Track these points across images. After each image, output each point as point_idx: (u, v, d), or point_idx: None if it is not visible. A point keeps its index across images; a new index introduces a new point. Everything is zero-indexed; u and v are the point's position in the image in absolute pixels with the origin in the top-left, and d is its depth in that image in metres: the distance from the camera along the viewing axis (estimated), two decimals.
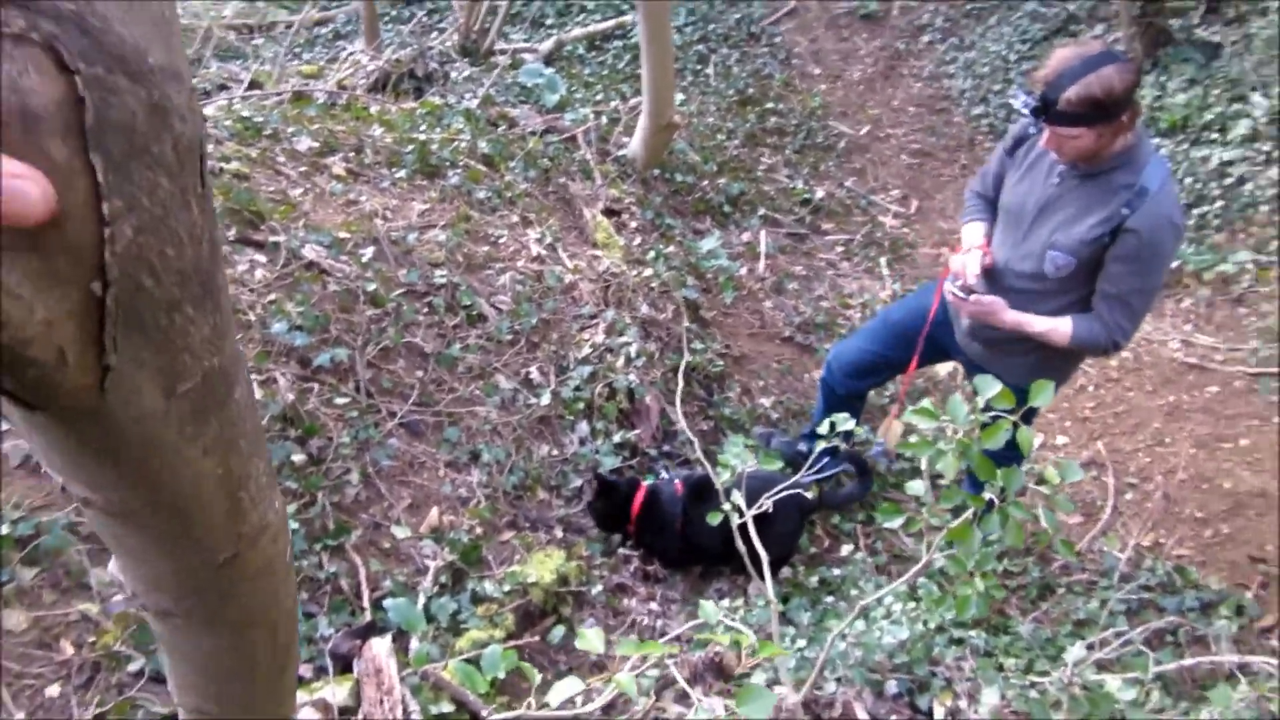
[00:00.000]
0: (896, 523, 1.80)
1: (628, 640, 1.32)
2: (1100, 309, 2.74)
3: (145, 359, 0.56)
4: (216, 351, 0.62)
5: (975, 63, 8.01)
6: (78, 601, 2.29)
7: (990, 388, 1.60)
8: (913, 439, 1.72)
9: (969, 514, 1.73)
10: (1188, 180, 6.26)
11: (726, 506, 2.10)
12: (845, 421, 2.16)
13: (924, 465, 1.71)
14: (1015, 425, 1.64)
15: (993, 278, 2.96)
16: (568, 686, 1.31)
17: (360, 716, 2.17)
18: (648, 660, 1.77)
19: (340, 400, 3.14)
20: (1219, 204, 6.06)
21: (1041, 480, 1.79)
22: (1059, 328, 2.80)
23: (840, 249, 6.01)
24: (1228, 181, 6.14)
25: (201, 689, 1.01)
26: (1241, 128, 6.34)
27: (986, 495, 1.71)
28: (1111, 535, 3.96)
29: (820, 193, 6.44)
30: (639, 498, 3.25)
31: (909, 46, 8.50)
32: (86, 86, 0.45)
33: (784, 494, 2.39)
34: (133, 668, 2.17)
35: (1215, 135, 6.50)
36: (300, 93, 5.42)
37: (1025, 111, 2.55)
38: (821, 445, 2.30)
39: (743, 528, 2.13)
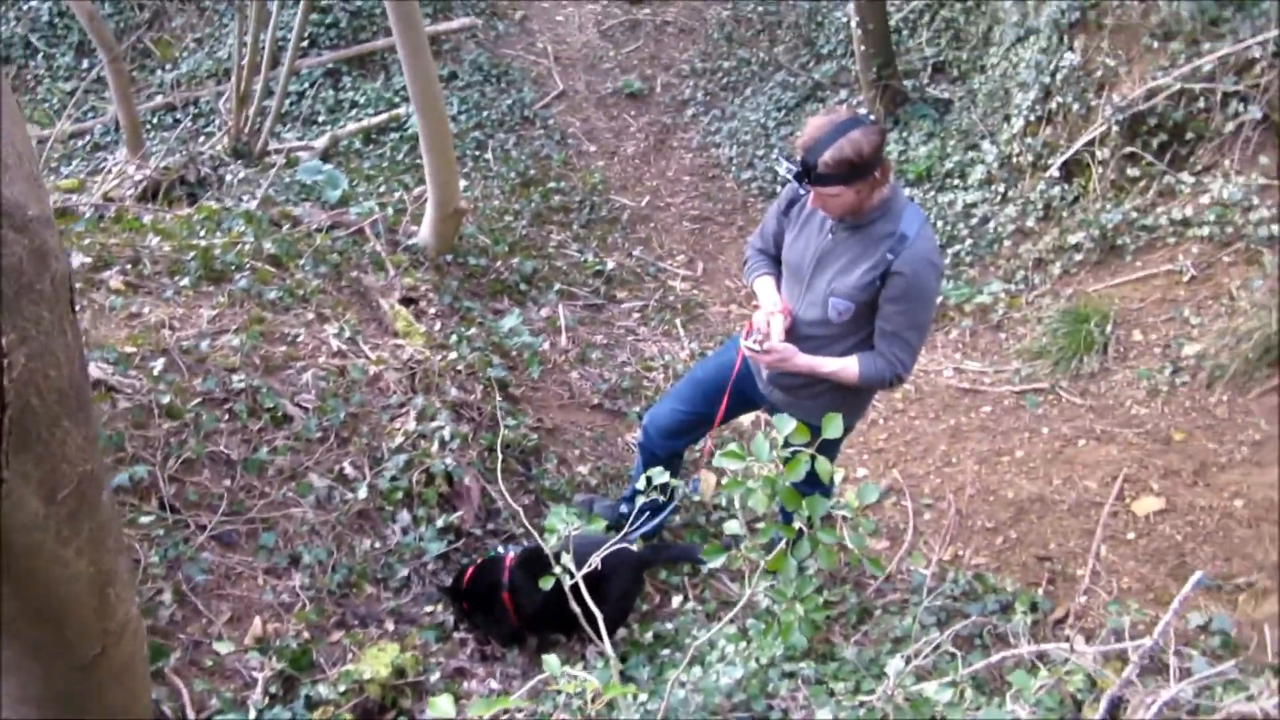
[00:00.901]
0: (718, 561, 1.92)
1: (481, 700, 1.36)
2: (880, 346, 3.00)
3: (29, 471, 0.59)
4: (88, 459, 0.66)
5: (738, 131, 8.53)
6: None
7: (786, 425, 1.75)
8: (725, 480, 1.84)
9: (782, 544, 1.86)
10: (939, 224, 6.86)
11: (557, 570, 2.16)
12: (660, 475, 2.27)
13: (737, 504, 1.84)
14: (813, 457, 1.80)
15: (789, 329, 3.19)
16: None
17: None
18: None
19: (144, 520, 3.01)
20: (969, 242, 6.68)
21: (841, 507, 1.95)
22: (848, 367, 3.04)
23: (637, 315, 6.23)
24: (973, 221, 6.78)
25: None
26: (978, 172, 7.04)
27: (796, 524, 1.85)
28: (916, 554, 4.25)
29: (611, 263, 6.66)
30: (467, 575, 3.26)
31: (675, 120, 8.96)
32: None
33: (616, 553, 2.47)
34: None
35: (957, 181, 7.18)
36: (63, 209, 5.17)
37: (789, 177, 2.79)
38: (641, 500, 2.40)
39: (575, 589, 2.20)
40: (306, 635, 2.98)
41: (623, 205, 7.68)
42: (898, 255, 2.82)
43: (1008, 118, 7.05)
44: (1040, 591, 3.92)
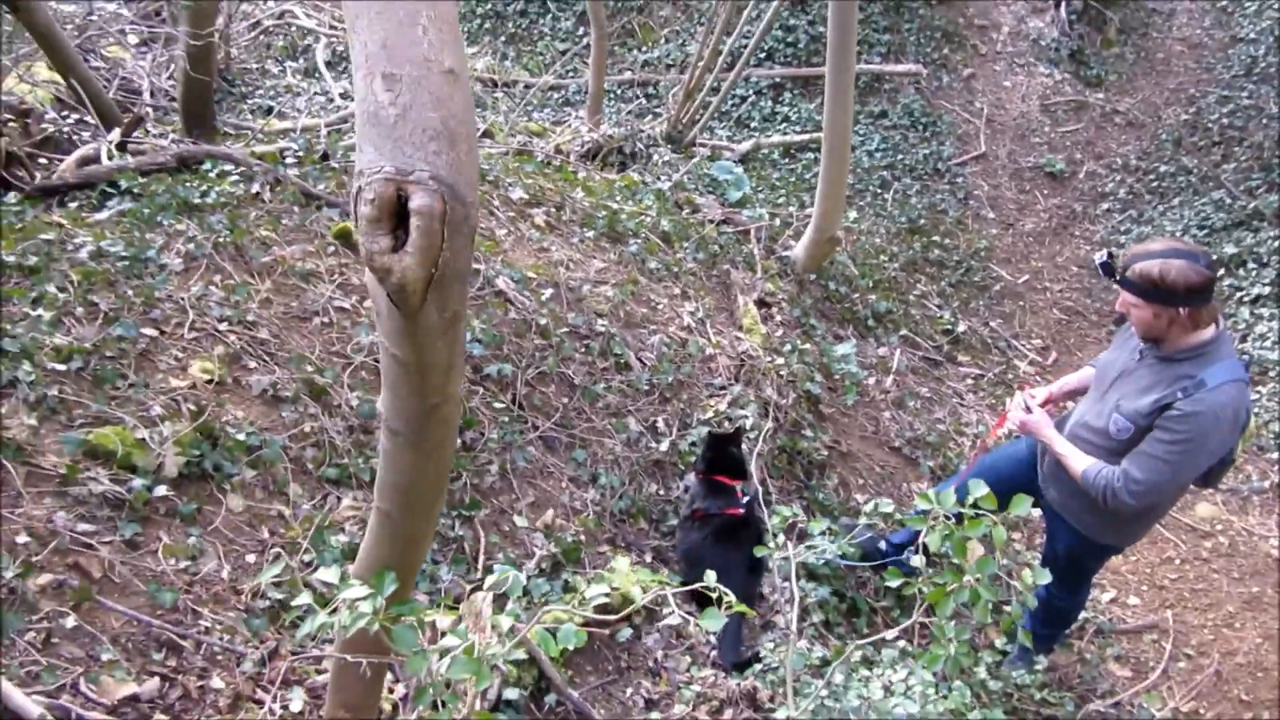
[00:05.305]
0: (895, 583, 2.29)
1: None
2: (1124, 461, 3.08)
3: (433, 299, 1.23)
4: (462, 301, 1.29)
5: (1148, 239, 8.24)
6: (278, 503, 3.01)
7: (978, 489, 2.09)
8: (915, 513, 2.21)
9: (953, 586, 2.20)
10: None
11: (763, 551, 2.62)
12: (886, 505, 2.66)
13: (922, 538, 2.21)
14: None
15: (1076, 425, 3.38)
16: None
17: None
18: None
19: (498, 405, 3.82)
20: None
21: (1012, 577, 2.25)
22: (1079, 460, 3.18)
23: (970, 381, 6.39)
24: None
25: (391, 494, 1.70)
26: None
27: (966, 576, 2.18)
28: (1154, 694, 4.19)
29: (963, 326, 6.85)
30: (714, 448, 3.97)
31: (1086, 210, 8.80)
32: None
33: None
34: (306, 558, 2.86)
35: None
36: (523, 150, 6.28)
37: (1097, 262, 3.01)
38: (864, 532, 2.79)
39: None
40: (582, 537, 3.66)
41: (999, 276, 7.78)
42: (1187, 395, 2.91)
43: None
44: None
